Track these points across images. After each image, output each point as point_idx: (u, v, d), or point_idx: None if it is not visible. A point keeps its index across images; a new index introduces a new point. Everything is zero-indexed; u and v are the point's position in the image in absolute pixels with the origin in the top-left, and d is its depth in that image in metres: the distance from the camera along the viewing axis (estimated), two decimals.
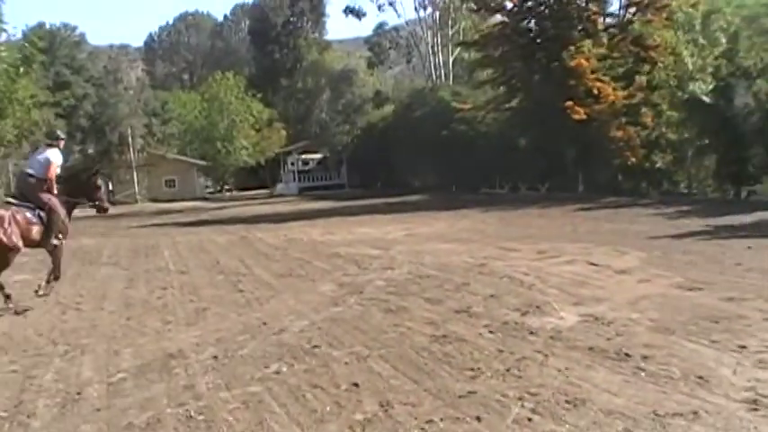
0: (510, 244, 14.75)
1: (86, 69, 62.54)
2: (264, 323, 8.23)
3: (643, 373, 5.65)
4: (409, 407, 5.19)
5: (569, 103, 28.33)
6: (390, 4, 57.59)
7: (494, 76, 36.58)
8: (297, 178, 57.53)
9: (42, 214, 10.12)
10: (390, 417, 5.04)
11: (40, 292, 10.47)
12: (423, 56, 58.45)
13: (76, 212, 11.19)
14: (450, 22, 55.28)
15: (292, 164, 58.31)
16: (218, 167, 52.59)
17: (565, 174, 32.11)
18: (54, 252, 10.50)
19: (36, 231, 10.07)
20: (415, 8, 57.18)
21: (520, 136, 34.93)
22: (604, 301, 8.45)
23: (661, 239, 14.48)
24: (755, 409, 4.83)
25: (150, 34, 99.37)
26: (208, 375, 6.27)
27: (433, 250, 14.31)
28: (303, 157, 58.89)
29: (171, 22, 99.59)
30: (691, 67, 27.83)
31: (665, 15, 30.68)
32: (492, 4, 34.68)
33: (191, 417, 5.25)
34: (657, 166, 29.88)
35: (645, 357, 6.04)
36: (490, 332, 7.23)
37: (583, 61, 28.91)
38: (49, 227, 10.17)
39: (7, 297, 9.90)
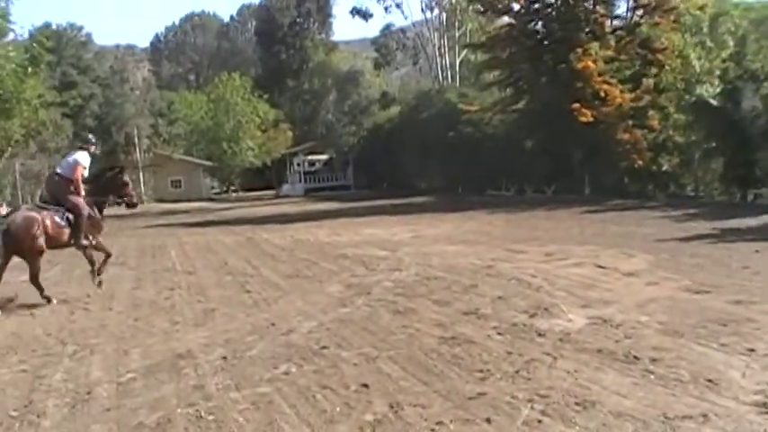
0: (517, 246, 14.74)
1: (93, 69, 62.71)
2: (273, 324, 8.25)
3: (652, 376, 5.65)
4: (419, 408, 5.20)
5: (576, 105, 28.26)
6: (397, 5, 57.68)
7: (500, 78, 36.53)
8: (303, 179, 57.48)
9: (70, 217, 10.53)
10: (400, 418, 5.05)
11: (98, 288, 11.12)
12: (429, 57, 58.43)
13: None
14: (456, 24, 55.23)
15: (298, 165, 58.26)
16: (224, 168, 52.69)
17: (571, 176, 32.01)
18: (86, 252, 10.97)
19: (67, 234, 10.55)
20: (422, 10, 57.24)
21: (526, 138, 34.83)
22: (612, 303, 8.45)
23: (668, 242, 14.45)
24: (765, 413, 4.84)
25: (156, 34, 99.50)
26: (217, 376, 6.29)
27: (440, 252, 14.30)
28: (309, 158, 58.83)
29: (177, 22, 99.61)
30: (698, 69, 27.85)
31: (672, 18, 30.62)
32: (499, 6, 34.62)
33: (201, 417, 5.27)
34: (664, 168, 29.82)
35: (654, 360, 6.05)
36: (499, 334, 7.24)
37: (590, 63, 28.84)
38: (76, 228, 10.59)
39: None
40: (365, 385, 5.76)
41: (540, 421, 4.87)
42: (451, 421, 4.93)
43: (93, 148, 11.45)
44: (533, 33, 34.00)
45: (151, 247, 18.35)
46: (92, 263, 11.05)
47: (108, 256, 11.39)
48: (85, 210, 10.67)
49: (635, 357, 6.14)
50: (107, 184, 11.39)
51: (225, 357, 6.88)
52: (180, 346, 7.43)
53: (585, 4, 31.96)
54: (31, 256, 10.21)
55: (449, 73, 55.13)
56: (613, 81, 29.38)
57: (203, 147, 52.44)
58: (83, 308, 10.07)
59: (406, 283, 10.71)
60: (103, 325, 8.81)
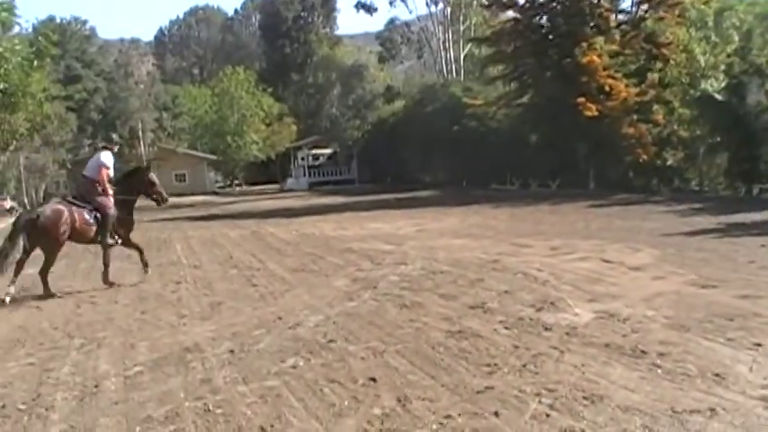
0: (522, 240, 14.74)
1: (97, 63, 62.93)
2: (279, 318, 8.25)
3: (659, 370, 5.64)
4: (427, 402, 5.20)
5: (581, 99, 28.26)
6: None
7: (505, 72, 36.49)
8: (307, 173, 57.56)
9: (98, 215, 10.94)
10: (408, 411, 5.05)
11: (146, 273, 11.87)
12: (434, 51, 58.43)
13: None
14: (461, 18, 55.24)
15: (302, 159, 58.31)
16: (228, 162, 52.81)
17: (576, 170, 32.00)
18: (106, 252, 11.26)
19: (93, 231, 10.96)
20: (427, 4, 57.28)
21: (531, 132, 34.83)
22: (619, 297, 8.43)
23: (674, 237, 14.42)
24: None
25: (161, 28, 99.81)
26: (225, 369, 6.30)
27: (446, 246, 14.30)
28: (313, 152, 58.90)
29: (181, 16, 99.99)
30: (703, 64, 27.81)
31: (677, 12, 30.60)
32: (504, 0, 34.61)
33: (209, 410, 5.28)
34: (669, 163, 29.83)
35: (661, 354, 6.03)
36: (506, 328, 7.23)
37: (595, 58, 28.82)
38: (102, 227, 10.98)
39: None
40: (373, 379, 5.76)
41: (548, 415, 4.86)
42: (459, 415, 4.92)
43: (116, 148, 11.92)
44: (538, 27, 34.02)
45: (156, 241, 18.36)
46: (106, 264, 11.26)
47: (141, 252, 11.92)
48: (112, 209, 11.06)
49: (642, 352, 6.13)
50: (135, 184, 11.74)
51: (232, 351, 6.88)
52: (187, 340, 7.44)
53: None
54: (52, 249, 10.56)
55: (453, 67, 55.10)
56: (618, 75, 29.40)
57: (207, 141, 52.61)
58: (89, 301, 10.11)
59: (412, 277, 10.71)
60: (110, 318, 8.84)
